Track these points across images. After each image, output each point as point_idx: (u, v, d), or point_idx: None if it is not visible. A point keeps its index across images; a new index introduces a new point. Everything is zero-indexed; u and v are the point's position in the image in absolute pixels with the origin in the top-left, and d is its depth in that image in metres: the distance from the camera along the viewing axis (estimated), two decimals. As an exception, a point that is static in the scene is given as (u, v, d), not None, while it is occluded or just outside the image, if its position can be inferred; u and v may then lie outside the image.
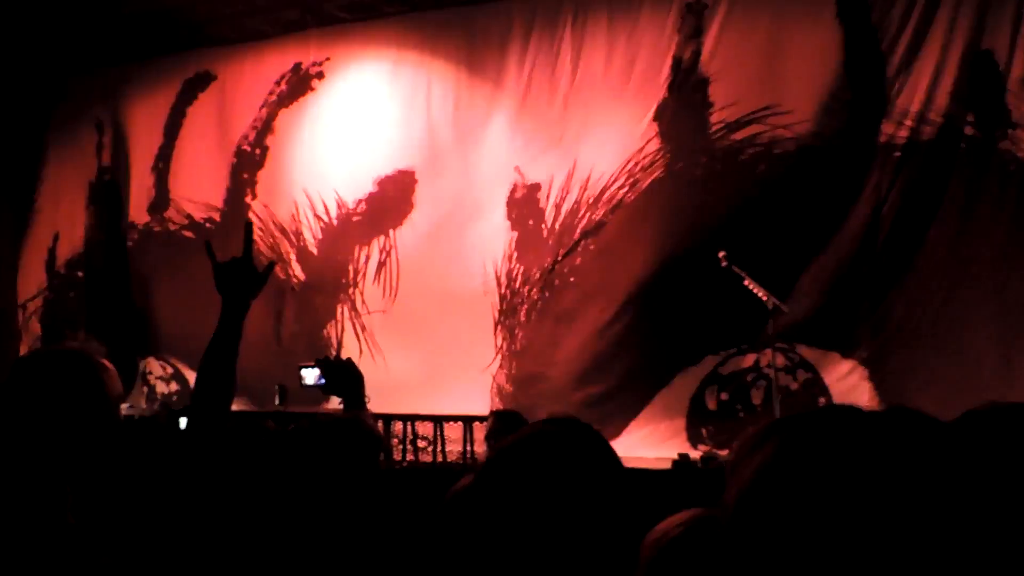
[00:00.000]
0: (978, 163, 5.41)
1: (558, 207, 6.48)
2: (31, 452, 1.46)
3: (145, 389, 7.72)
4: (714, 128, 6.03)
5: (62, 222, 8.28)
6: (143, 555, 1.64)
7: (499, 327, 6.57)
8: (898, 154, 5.60)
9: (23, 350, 7.76)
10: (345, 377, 2.22)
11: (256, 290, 1.85)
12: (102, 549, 1.47)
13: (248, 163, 7.53)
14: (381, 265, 6.98)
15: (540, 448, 1.03)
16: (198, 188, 7.66)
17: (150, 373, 7.72)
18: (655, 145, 6.20)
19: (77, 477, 1.51)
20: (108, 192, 8.13)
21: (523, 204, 6.58)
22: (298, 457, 1.64)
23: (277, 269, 6.87)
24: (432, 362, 6.61)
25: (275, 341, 7.07)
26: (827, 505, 0.64)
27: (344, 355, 6.62)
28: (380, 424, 5.64)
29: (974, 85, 5.48)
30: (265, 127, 7.48)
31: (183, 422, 1.89)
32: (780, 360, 5.44)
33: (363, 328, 7.00)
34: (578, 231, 6.42)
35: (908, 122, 5.59)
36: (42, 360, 1.64)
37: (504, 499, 0.99)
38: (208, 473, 1.72)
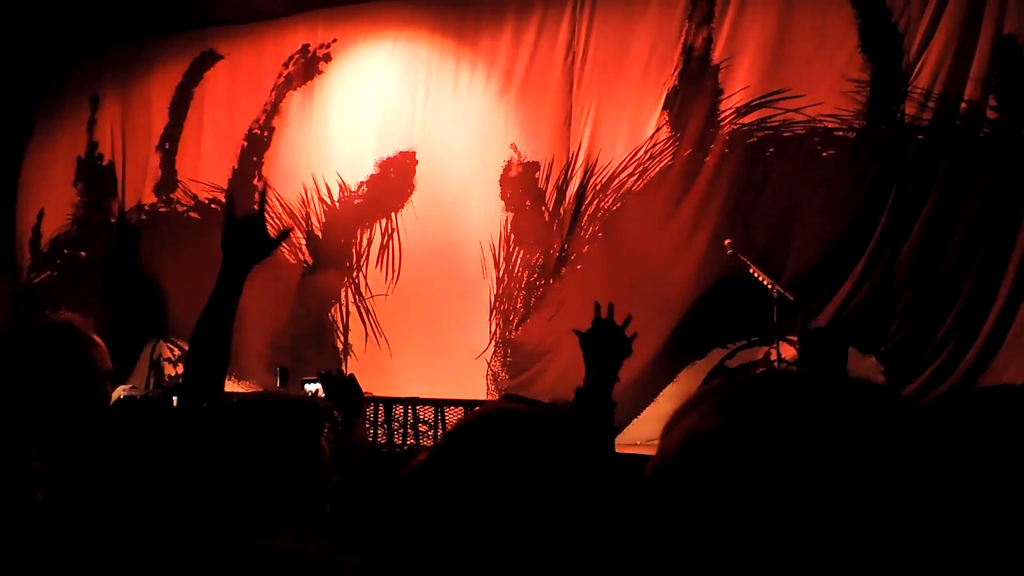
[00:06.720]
0: (1001, 148, 5.24)
1: (560, 190, 6.36)
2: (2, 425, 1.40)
3: (154, 372, 7.65)
4: (723, 114, 5.88)
5: (49, 199, 8.14)
6: (108, 534, 1.55)
7: (494, 312, 6.49)
8: (921, 136, 5.41)
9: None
10: (345, 391, 2.39)
11: (263, 254, 1.73)
12: (68, 526, 1.43)
13: (258, 146, 7.48)
14: (383, 248, 6.93)
15: (499, 426, 1.02)
16: (203, 169, 7.61)
17: (162, 357, 7.65)
18: (665, 134, 6.05)
19: (53, 452, 1.45)
20: (101, 170, 7.97)
21: (518, 183, 6.43)
22: (236, 431, 1.57)
23: (287, 254, 7.09)
24: (432, 347, 6.56)
25: (281, 323, 7.06)
26: (755, 481, 0.56)
27: (351, 339, 6.89)
28: (382, 408, 5.80)
29: (996, 69, 5.30)
30: (273, 109, 7.42)
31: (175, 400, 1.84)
32: (790, 353, 5.25)
33: (367, 311, 6.98)
34: (585, 217, 6.26)
35: (932, 104, 5.41)
36: (27, 333, 1.58)
37: (457, 478, 0.99)
38: (190, 452, 1.65)
